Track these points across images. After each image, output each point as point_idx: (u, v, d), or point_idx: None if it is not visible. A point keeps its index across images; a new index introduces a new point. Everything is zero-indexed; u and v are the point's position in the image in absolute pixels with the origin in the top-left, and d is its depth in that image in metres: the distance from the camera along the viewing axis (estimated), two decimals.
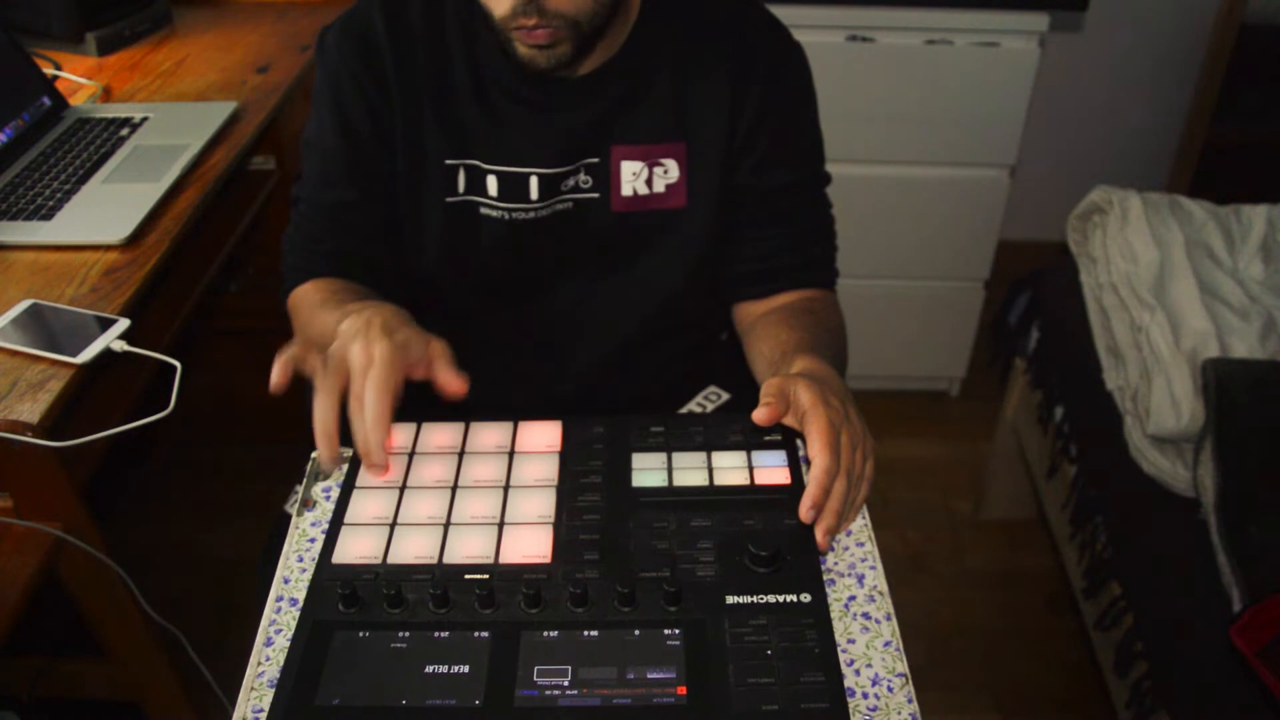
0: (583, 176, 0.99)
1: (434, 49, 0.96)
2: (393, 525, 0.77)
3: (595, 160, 0.99)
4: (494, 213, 0.99)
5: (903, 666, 0.71)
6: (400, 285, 1.03)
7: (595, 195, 1.00)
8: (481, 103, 0.97)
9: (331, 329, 0.86)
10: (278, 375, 0.78)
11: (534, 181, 0.98)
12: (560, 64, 0.89)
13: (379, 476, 0.82)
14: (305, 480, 0.87)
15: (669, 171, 1.00)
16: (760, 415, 0.78)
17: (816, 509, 0.75)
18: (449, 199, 0.99)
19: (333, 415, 0.77)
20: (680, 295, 1.06)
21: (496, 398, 1.10)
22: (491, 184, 0.99)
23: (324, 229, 1.01)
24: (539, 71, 0.89)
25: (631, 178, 1.00)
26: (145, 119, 1.42)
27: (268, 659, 0.72)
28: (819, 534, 0.75)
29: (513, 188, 0.98)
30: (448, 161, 0.98)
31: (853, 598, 0.75)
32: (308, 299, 1.00)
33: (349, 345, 0.79)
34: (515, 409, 0.89)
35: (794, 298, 1.05)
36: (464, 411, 0.88)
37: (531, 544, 0.75)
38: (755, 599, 0.70)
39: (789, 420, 0.80)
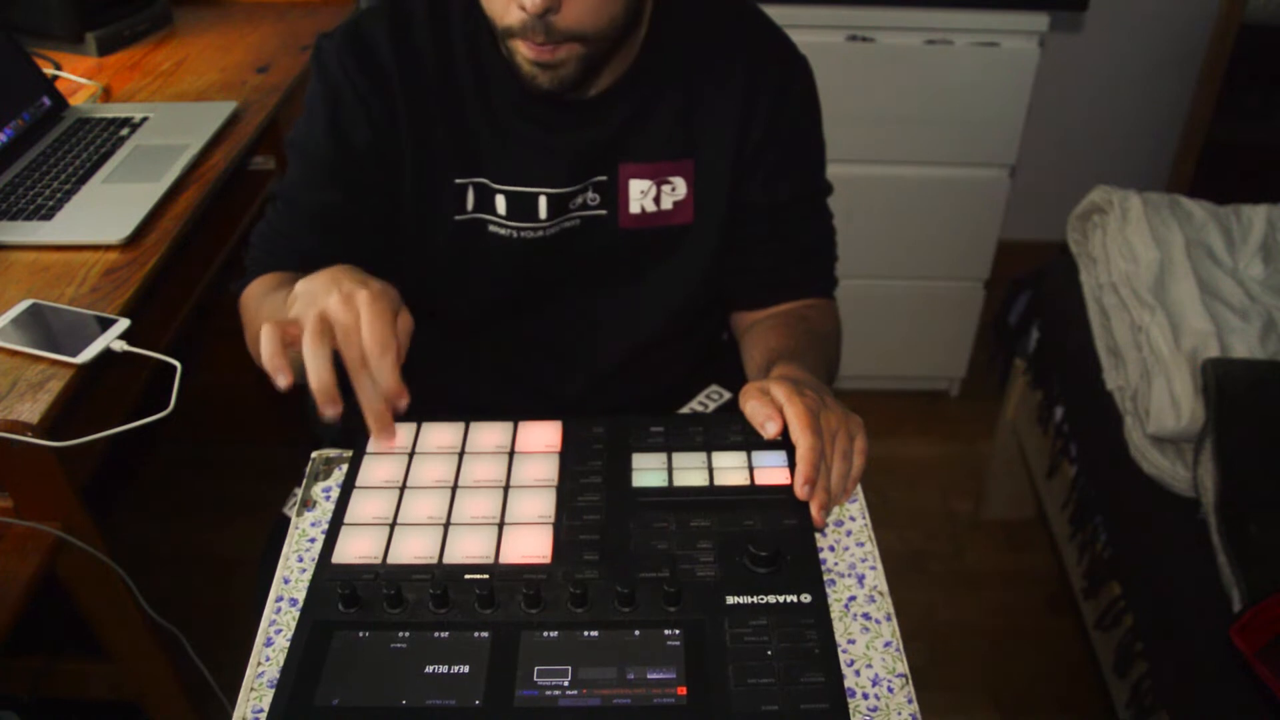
0: (590, 194, 0.99)
1: (441, 66, 0.95)
2: (393, 525, 0.77)
3: (603, 179, 0.98)
4: (502, 231, 0.99)
5: (903, 667, 0.71)
6: None
7: (603, 213, 1.00)
8: (490, 121, 0.96)
9: (278, 306, 0.82)
10: (281, 371, 0.72)
11: (543, 201, 0.97)
12: (563, 86, 0.87)
13: (389, 445, 0.80)
14: (305, 480, 0.87)
15: (676, 189, 1.00)
16: (769, 431, 0.81)
17: (810, 484, 0.76)
18: (457, 217, 0.99)
19: (330, 374, 0.71)
20: (686, 308, 1.06)
21: (497, 402, 1.10)
22: (500, 203, 0.98)
23: (300, 228, 0.97)
24: (541, 92, 0.87)
25: (639, 195, 0.99)
26: (145, 119, 1.42)
27: (268, 659, 0.72)
28: (814, 509, 0.76)
29: (521, 207, 0.98)
30: (457, 180, 0.97)
31: (853, 598, 0.75)
32: (259, 291, 0.95)
33: (323, 300, 0.73)
34: (515, 412, 0.89)
35: (791, 305, 1.06)
36: (464, 412, 0.88)
37: (531, 544, 0.75)
38: (755, 599, 0.70)
39: None
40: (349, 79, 0.94)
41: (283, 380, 0.72)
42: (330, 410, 0.72)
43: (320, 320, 0.72)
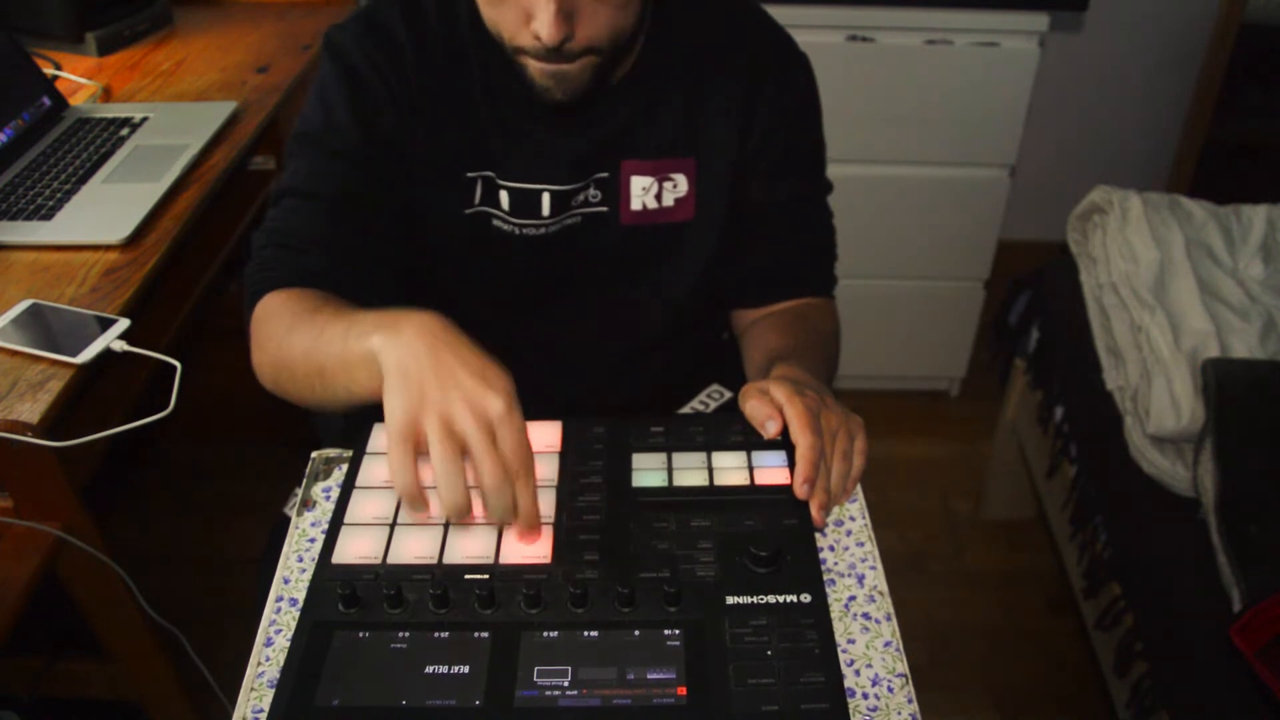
0: (592, 191, 0.99)
1: (452, 59, 0.95)
2: (393, 525, 0.77)
3: (605, 175, 0.99)
4: (505, 227, 0.99)
5: (903, 667, 0.71)
6: (392, 288, 0.95)
7: (604, 209, 1.00)
8: (497, 117, 0.96)
9: (331, 345, 0.76)
10: (422, 503, 0.68)
11: (546, 198, 0.97)
12: (575, 97, 0.87)
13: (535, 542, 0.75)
14: (305, 480, 0.87)
15: (678, 186, 1.00)
16: (770, 430, 0.81)
17: (810, 483, 0.76)
18: (466, 210, 0.98)
19: (465, 498, 0.67)
20: (686, 305, 1.07)
21: None
22: (504, 199, 0.98)
23: (318, 222, 0.91)
24: (553, 104, 0.87)
25: (641, 192, 0.99)
26: (145, 119, 1.42)
27: (268, 659, 0.72)
28: (814, 509, 0.76)
29: (525, 204, 0.98)
30: (468, 174, 0.97)
31: (853, 598, 0.75)
32: (286, 310, 0.86)
33: (441, 405, 0.67)
34: None
35: (791, 304, 1.06)
36: None
37: (531, 544, 0.75)
38: (755, 599, 0.70)
39: None
40: (370, 61, 0.93)
41: (421, 510, 0.68)
42: (464, 520, 0.69)
43: (448, 431, 0.66)
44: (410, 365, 0.68)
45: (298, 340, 0.81)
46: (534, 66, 0.85)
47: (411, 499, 0.67)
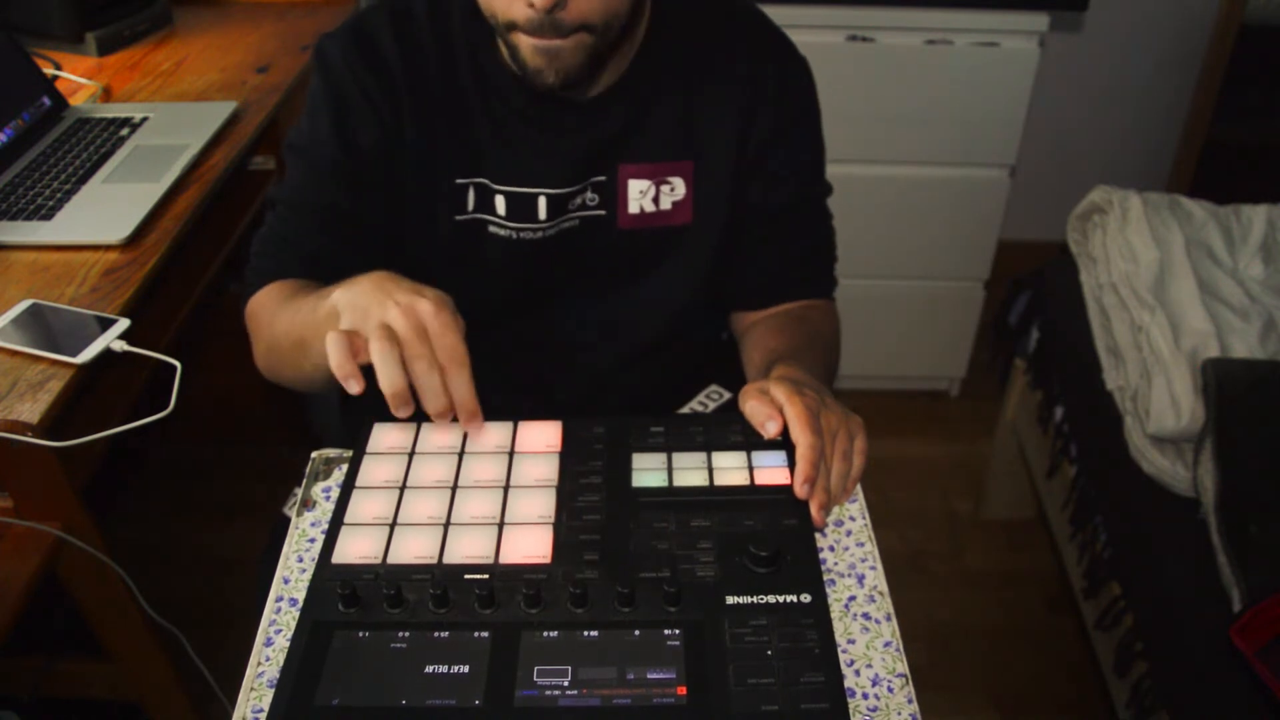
0: (589, 194, 0.99)
1: (443, 65, 0.95)
2: (393, 525, 0.77)
3: (602, 179, 0.98)
4: (502, 231, 0.99)
5: (903, 667, 0.71)
6: None
7: (602, 213, 1.00)
8: (491, 122, 0.96)
9: (306, 315, 0.81)
10: (353, 377, 0.72)
11: (542, 202, 0.97)
12: (568, 80, 0.86)
13: (479, 430, 0.82)
14: (305, 480, 0.87)
15: (676, 189, 1.00)
16: (770, 430, 0.81)
17: (810, 483, 0.76)
18: (458, 217, 0.98)
19: (403, 378, 0.72)
20: (685, 309, 1.07)
21: (497, 405, 1.10)
22: (500, 203, 0.98)
23: (305, 231, 0.95)
24: (545, 87, 0.86)
25: (639, 196, 0.99)
26: (145, 119, 1.42)
27: (268, 659, 0.72)
28: (814, 509, 0.76)
29: (521, 208, 0.98)
30: (458, 180, 0.97)
31: (853, 598, 0.75)
32: (271, 299, 0.93)
33: (379, 313, 0.73)
34: (515, 412, 0.89)
35: (790, 306, 1.06)
36: None
37: (531, 544, 0.75)
38: (755, 599, 0.70)
39: None
40: (355, 79, 0.93)
41: (355, 387, 0.73)
42: (405, 411, 0.74)
43: (385, 329, 0.73)
44: (357, 298, 0.77)
45: (280, 323, 0.89)
46: (526, 44, 0.84)
47: (345, 377, 0.73)
